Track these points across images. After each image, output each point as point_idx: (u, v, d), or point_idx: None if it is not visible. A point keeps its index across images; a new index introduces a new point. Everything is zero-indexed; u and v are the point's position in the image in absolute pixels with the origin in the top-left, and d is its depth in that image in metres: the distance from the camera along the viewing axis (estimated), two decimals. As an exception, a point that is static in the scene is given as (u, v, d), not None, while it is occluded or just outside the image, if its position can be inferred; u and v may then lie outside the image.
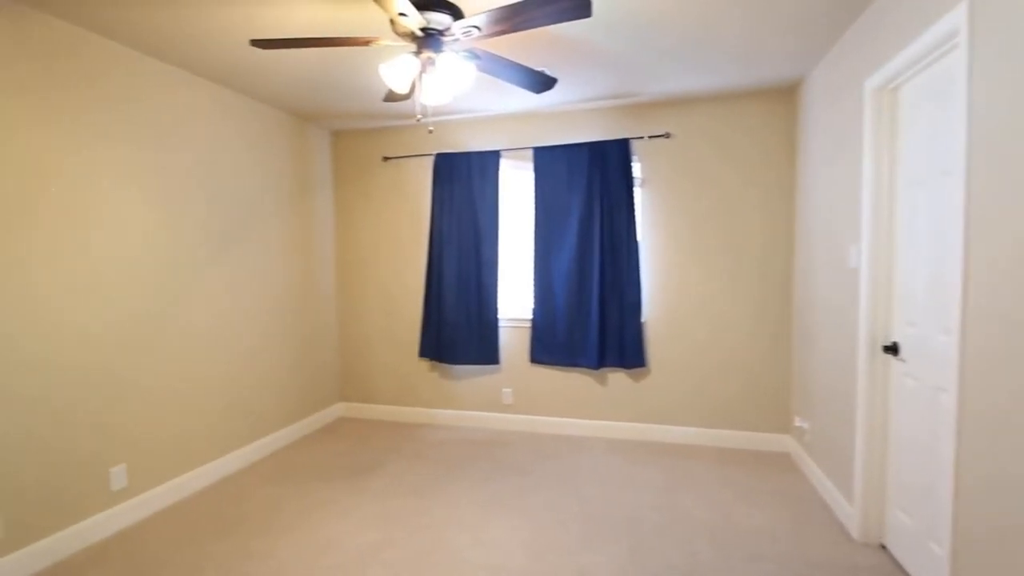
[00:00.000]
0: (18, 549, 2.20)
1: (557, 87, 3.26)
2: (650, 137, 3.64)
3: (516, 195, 4.04)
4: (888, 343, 2.27)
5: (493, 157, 3.90)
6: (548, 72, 2.93)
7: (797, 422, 3.31)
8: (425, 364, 4.25)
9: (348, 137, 4.34)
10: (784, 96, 3.42)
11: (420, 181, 4.17)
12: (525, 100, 3.55)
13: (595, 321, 3.69)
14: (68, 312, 2.40)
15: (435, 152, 4.06)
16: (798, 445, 3.33)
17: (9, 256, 2.17)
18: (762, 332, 3.53)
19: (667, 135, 3.60)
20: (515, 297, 4.08)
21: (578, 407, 3.91)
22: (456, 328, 4.01)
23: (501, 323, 4.03)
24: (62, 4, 2.19)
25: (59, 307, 2.36)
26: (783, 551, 2.34)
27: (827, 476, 2.83)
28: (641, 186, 3.71)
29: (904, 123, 2.17)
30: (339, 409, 4.46)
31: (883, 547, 2.35)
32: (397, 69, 1.98)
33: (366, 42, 1.99)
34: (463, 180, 3.96)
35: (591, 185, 3.69)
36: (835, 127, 2.72)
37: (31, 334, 2.25)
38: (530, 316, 3.94)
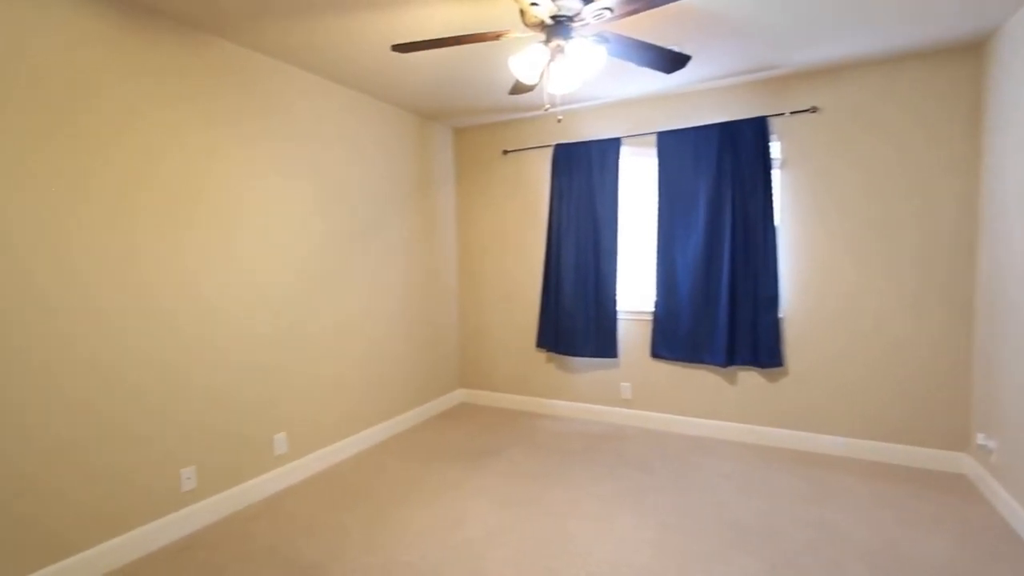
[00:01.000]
0: (208, 497, 2.61)
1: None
2: (792, 113, 3.29)
3: (637, 183, 3.89)
4: (1123, 349, 1.82)
5: (613, 144, 3.79)
6: (679, 50, 2.76)
7: (979, 439, 2.81)
8: (542, 355, 4.29)
9: (469, 133, 4.49)
10: (965, 55, 2.88)
11: (539, 172, 4.19)
12: (648, 83, 3.40)
13: (724, 315, 3.44)
14: (240, 302, 2.77)
15: (554, 143, 4.05)
16: (979, 466, 2.83)
17: (201, 248, 2.56)
18: (930, 332, 3.04)
19: (813, 110, 3.22)
20: (635, 289, 3.95)
21: (703, 406, 3.69)
22: (574, 319, 3.98)
23: (620, 315, 3.93)
24: (230, 27, 2.51)
25: (235, 295, 2.74)
26: (964, 588, 2.00)
27: (1021, 505, 2.36)
28: (781, 167, 3.37)
29: None
30: (459, 395, 4.68)
31: (1109, 600, 1.90)
32: (527, 60, 1.99)
33: (496, 36, 2.02)
34: (582, 169, 3.90)
35: (721, 169, 3.43)
36: (1045, 85, 2.23)
37: (221, 310, 2.64)
38: (652, 308, 3.79)
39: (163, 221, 2.41)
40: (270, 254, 2.92)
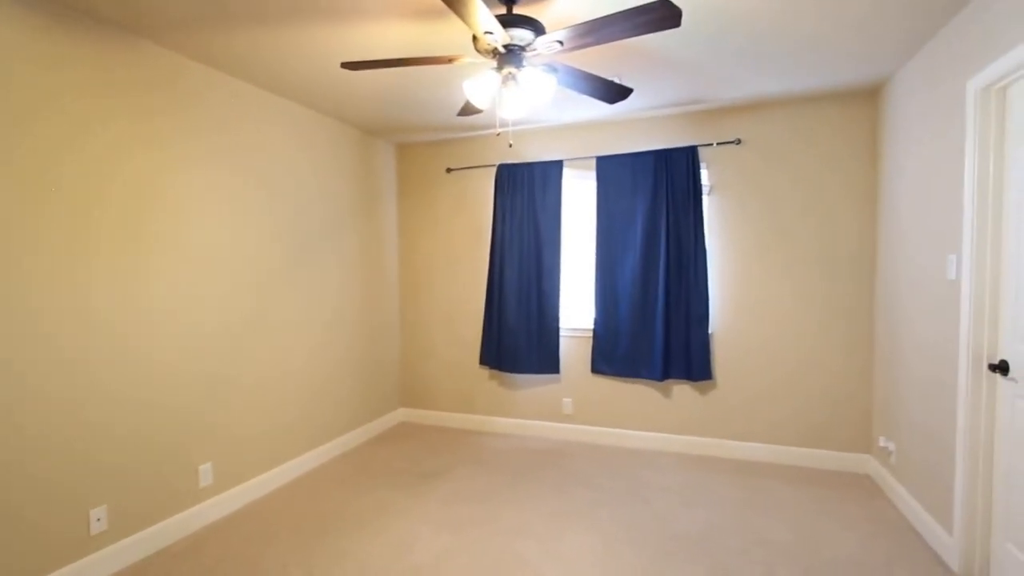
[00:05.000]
0: (121, 539, 2.36)
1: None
2: (719, 144, 3.55)
3: (579, 204, 4.03)
4: (995, 361, 2.11)
5: (556, 167, 3.91)
6: (621, 82, 2.91)
7: (881, 442, 3.12)
8: (485, 372, 4.29)
9: (412, 150, 4.46)
10: (865, 98, 3.26)
11: (482, 191, 4.23)
12: (589, 110, 3.55)
13: (660, 332, 3.62)
14: (170, 323, 2.57)
15: (498, 163, 4.11)
16: (881, 467, 3.14)
17: (123, 268, 2.36)
18: (838, 346, 3.36)
19: (737, 141, 3.50)
20: (576, 307, 4.06)
21: (641, 419, 3.84)
22: (516, 337, 4.02)
23: (562, 332, 4.02)
24: (165, 31, 2.36)
25: (164, 317, 2.54)
26: (876, 581, 2.21)
27: (918, 502, 2.64)
28: (709, 194, 3.62)
29: (1014, 123, 2.02)
30: (400, 415, 4.56)
31: (990, 582, 2.17)
32: (480, 85, 2.03)
33: (449, 60, 2.04)
34: (525, 190, 3.99)
35: (656, 194, 3.63)
36: (928, 130, 2.56)
37: (140, 341, 2.43)
38: (591, 326, 3.91)
39: (113, 247, 2.20)
40: (197, 278, 2.74)
